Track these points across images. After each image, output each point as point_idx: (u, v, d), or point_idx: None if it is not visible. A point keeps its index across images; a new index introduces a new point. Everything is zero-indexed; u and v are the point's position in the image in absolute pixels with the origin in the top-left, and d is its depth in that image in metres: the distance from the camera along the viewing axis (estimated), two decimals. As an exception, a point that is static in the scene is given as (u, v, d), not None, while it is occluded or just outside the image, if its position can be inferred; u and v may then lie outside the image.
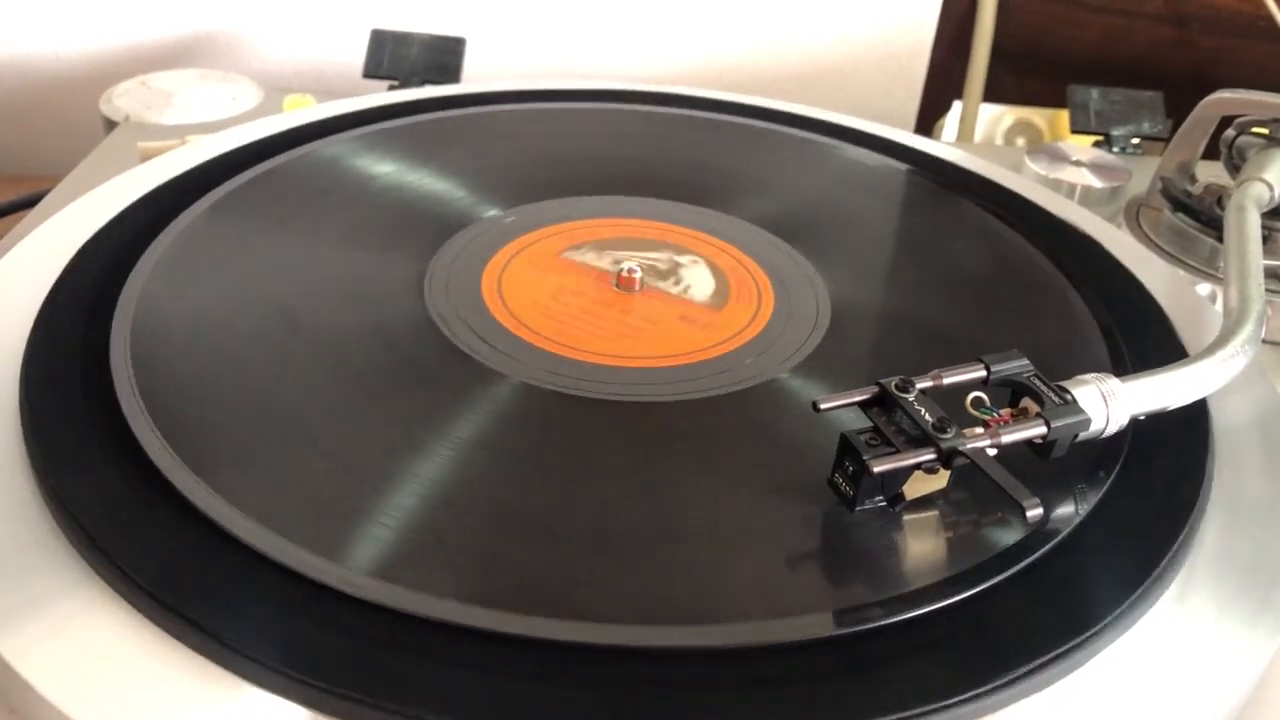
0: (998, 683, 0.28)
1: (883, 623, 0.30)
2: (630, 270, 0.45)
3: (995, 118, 0.81)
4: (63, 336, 0.38)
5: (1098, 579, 0.32)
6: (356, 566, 0.30)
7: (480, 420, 0.37)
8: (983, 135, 0.81)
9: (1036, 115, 0.81)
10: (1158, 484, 0.36)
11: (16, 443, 0.34)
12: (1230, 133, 0.55)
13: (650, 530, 0.33)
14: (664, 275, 0.46)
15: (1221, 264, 0.44)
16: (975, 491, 0.33)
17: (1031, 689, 0.29)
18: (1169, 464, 0.36)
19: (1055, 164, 0.63)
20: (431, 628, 0.29)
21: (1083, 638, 0.30)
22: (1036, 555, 0.32)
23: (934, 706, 0.28)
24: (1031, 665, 0.29)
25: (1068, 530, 0.33)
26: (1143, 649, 0.31)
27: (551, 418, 0.38)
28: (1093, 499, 0.34)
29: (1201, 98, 0.56)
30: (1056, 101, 0.77)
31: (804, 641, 0.29)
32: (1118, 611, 0.31)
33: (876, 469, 0.31)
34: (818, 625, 0.30)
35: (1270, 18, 0.78)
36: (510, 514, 0.33)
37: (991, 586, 0.31)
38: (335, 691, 0.27)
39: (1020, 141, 0.81)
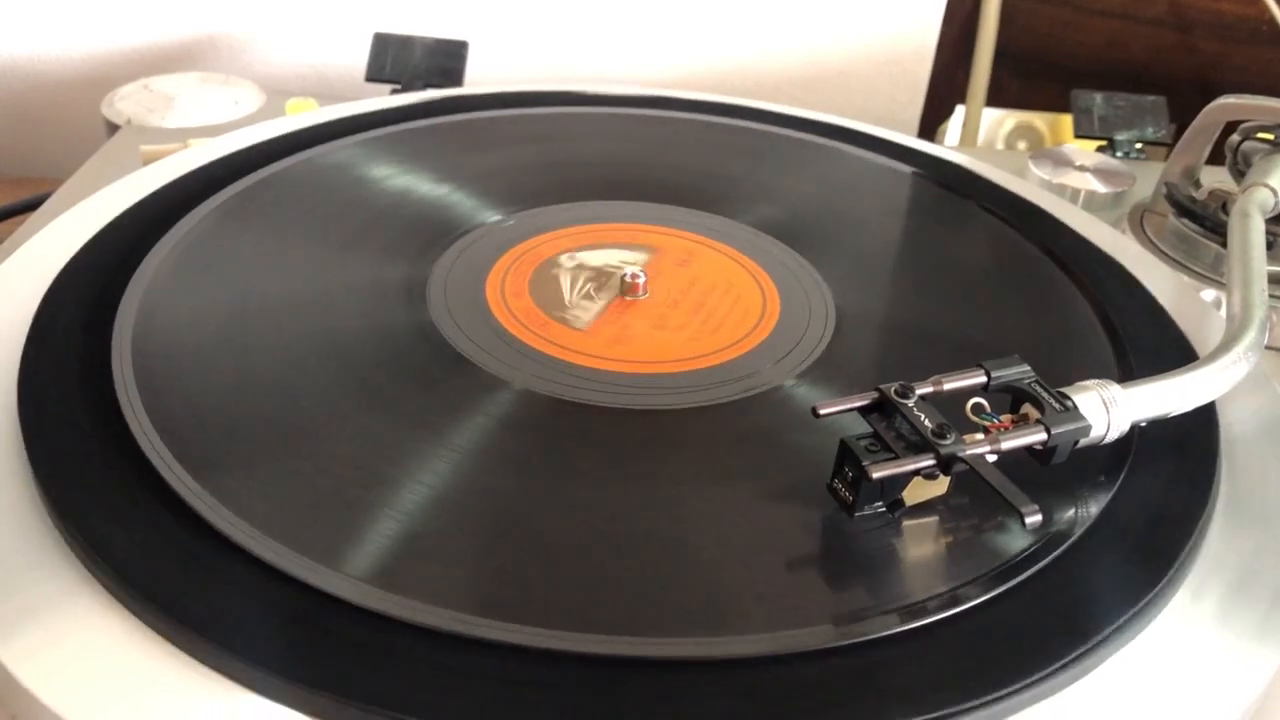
0: (1002, 692, 0.28)
1: (887, 632, 0.30)
2: (634, 275, 0.44)
3: (996, 121, 0.81)
4: (62, 340, 0.38)
5: (1104, 586, 0.32)
6: (357, 573, 0.30)
7: (482, 426, 0.37)
8: (984, 138, 0.80)
9: (1038, 119, 0.81)
10: (1165, 491, 0.36)
11: (15, 448, 0.34)
12: (1235, 138, 0.54)
13: (652, 538, 0.33)
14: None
15: (1225, 270, 0.43)
16: (977, 497, 0.33)
17: (1037, 697, 0.29)
18: (1176, 471, 0.36)
19: (1059, 169, 0.62)
20: (430, 635, 0.29)
21: (1088, 646, 0.30)
22: (1042, 563, 0.32)
23: (937, 715, 0.28)
24: (1037, 674, 0.29)
25: (1074, 538, 0.33)
26: (1149, 658, 0.31)
27: (554, 423, 0.38)
28: (1099, 505, 0.34)
29: (1204, 102, 0.56)
30: (1059, 106, 0.77)
31: (809, 651, 0.29)
32: (1124, 619, 0.31)
33: (875, 474, 0.31)
34: (822, 635, 0.30)
35: (1273, 22, 0.78)
36: (512, 521, 0.33)
37: (997, 594, 0.31)
38: (334, 698, 0.27)
39: (1022, 145, 0.81)
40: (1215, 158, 0.57)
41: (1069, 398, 0.33)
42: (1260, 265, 0.43)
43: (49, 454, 0.33)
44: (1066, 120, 0.76)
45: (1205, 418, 0.38)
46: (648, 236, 0.49)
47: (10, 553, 0.31)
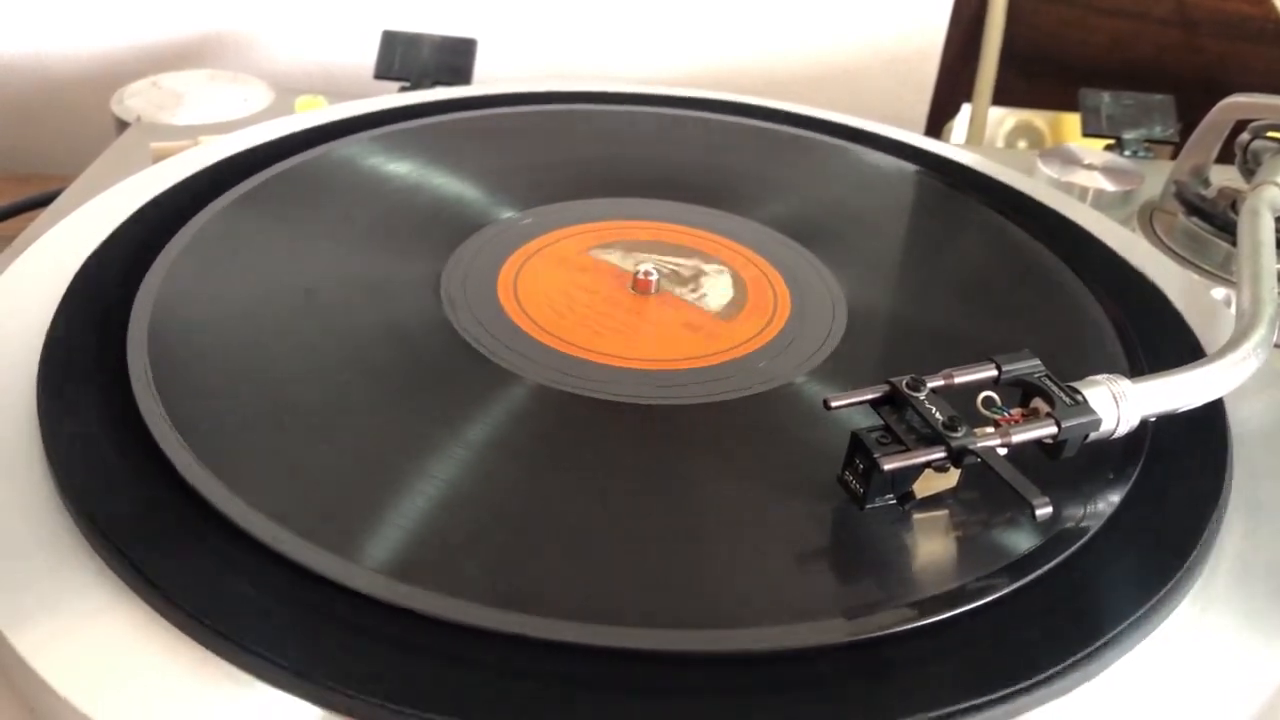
0: (1011, 690, 0.28)
1: (897, 628, 0.30)
2: (646, 273, 0.44)
3: (997, 119, 0.81)
4: (79, 337, 0.38)
5: (1116, 584, 0.32)
6: (371, 566, 0.30)
7: (495, 420, 0.37)
8: (985, 137, 0.81)
9: (1038, 117, 0.81)
10: (1176, 489, 0.35)
11: (34, 441, 0.34)
12: (1245, 137, 0.55)
13: (663, 532, 0.33)
14: (684, 281, 0.46)
15: (1235, 267, 0.43)
16: (987, 491, 0.33)
17: (1047, 697, 0.29)
18: (1187, 469, 0.36)
19: (1068, 167, 0.62)
20: (444, 628, 0.29)
21: (1098, 644, 0.30)
22: (1054, 561, 0.32)
23: (946, 712, 0.27)
24: (1047, 673, 0.29)
25: (1086, 535, 0.33)
26: (1160, 657, 0.31)
27: (567, 419, 0.38)
28: (1110, 504, 0.34)
29: (1210, 101, 0.56)
30: (1063, 104, 0.77)
31: (818, 647, 0.29)
32: (1135, 618, 0.30)
33: (887, 466, 0.31)
34: (833, 631, 0.30)
35: (1279, 21, 0.78)
36: (523, 515, 0.33)
37: (1009, 591, 0.31)
38: (348, 692, 0.27)
39: (1022, 144, 0.81)
40: (1224, 156, 0.57)
41: (1079, 392, 0.33)
42: (1270, 262, 0.43)
43: (67, 447, 0.33)
44: (1067, 119, 0.76)
45: (1215, 415, 0.38)
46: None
47: (27, 545, 0.31)
